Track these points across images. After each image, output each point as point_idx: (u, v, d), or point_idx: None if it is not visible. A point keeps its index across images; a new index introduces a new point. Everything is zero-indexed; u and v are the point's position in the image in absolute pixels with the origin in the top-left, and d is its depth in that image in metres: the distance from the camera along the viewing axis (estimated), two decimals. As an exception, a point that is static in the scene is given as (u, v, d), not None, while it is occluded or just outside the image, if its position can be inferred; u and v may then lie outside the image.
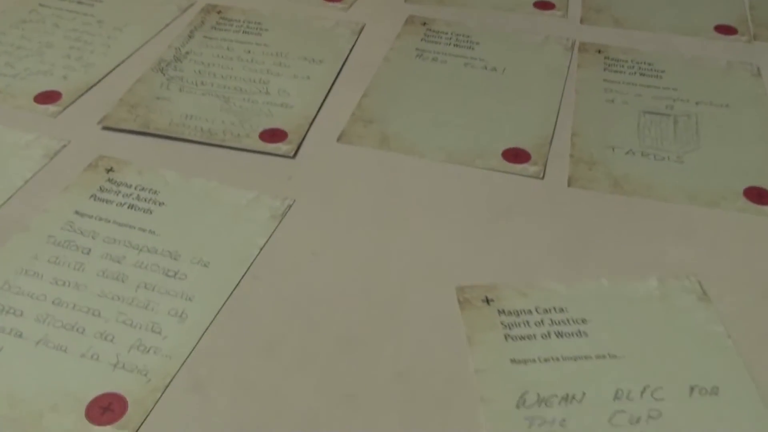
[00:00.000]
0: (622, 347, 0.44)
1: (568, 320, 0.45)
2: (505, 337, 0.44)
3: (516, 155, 0.59)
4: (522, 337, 0.44)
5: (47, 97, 0.62)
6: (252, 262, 0.49)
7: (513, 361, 0.43)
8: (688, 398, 0.41)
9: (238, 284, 0.48)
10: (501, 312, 0.46)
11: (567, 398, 0.41)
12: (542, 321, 0.45)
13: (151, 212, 0.53)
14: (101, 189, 0.54)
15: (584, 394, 0.41)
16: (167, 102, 0.62)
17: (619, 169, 0.57)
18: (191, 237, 0.51)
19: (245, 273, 0.49)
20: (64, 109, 0.62)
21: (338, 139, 0.60)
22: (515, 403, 0.41)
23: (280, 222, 0.52)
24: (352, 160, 0.58)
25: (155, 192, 0.54)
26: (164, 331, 0.45)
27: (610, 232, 0.53)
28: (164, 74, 0.65)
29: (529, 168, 0.58)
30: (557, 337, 0.44)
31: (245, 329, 0.45)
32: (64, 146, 0.58)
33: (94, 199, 0.53)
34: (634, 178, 0.57)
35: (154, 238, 0.51)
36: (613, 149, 0.59)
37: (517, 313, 0.45)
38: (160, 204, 0.53)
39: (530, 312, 0.46)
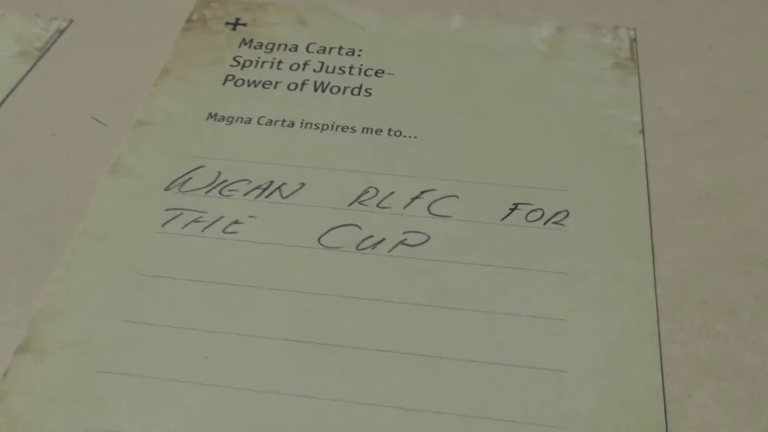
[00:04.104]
0: (421, 124, 0.27)
1: (351, 68, 0.29)
2: (226, 80, 0.29)
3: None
4: (252, 83, 0.29)
5: None
6: (-27, 141, 0.26)
7: (212, 116, 0.27)
8: (497, 223, 0.24)
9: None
10: (244, 42, 0.30)
11: (264, 189, 0.25)
12: (306, 64, 0.29)
13: None
14: None
15: (302, 185, 0.25)
16: None
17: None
18: None
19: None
20: None
21: None
22: (167, 183, 0.25)
23: (39, 60, 0.29)
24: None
25: None
26: None
27: None
28: None
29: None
30: (318, 90, 0.28)
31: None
32: None
33: None
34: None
35: None
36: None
37: (270, 48, 0.30)
38: None
39: (294, 48, 0.30)
